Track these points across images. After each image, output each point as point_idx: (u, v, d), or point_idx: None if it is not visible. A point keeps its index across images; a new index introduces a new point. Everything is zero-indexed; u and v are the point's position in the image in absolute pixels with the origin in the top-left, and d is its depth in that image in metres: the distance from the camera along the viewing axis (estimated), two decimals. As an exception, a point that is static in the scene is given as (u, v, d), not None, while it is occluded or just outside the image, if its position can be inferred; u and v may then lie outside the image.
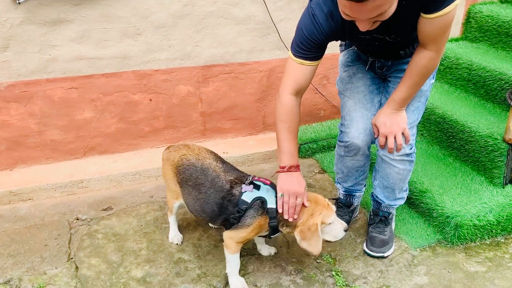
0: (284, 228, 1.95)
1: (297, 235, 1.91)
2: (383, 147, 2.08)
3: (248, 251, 2.29)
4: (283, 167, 1.94)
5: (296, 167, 1.95)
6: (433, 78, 2.10)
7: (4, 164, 2.85)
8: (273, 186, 2.00)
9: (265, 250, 2.31)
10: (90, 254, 2.26)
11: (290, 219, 1.89)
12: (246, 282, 2.09)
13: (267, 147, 3.24)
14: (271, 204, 1.93)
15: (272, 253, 2.31)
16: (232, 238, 1.98)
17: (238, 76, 3.16)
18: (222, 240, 2.34)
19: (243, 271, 2.17)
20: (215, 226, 2.44)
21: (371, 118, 2.11)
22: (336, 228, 1.95)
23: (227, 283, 2.09)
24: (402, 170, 2.13)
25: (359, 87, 2.16)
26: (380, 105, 2.16)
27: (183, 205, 2.19)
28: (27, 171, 2.87)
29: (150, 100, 3.01)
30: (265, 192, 1.96)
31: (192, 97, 3.11)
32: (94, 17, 2.66)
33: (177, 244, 2.33)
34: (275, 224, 1.93)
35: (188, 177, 2.06)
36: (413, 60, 1.89)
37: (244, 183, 1.98)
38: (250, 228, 1.94)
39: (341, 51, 2.30)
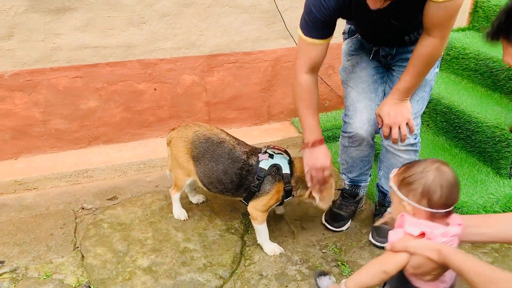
0: (298, 191, 2.11)
1: (316, 194, 2.06)
2: (387, 137, 2.07)
3: (254, 241, 2.29)
4: (306, 144, 2.01)
5: (319, 142, 1.99)
6: (437, 67, 2.08)
7: (8, 153, 2.85)
8: (286, 152, 2.16)
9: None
10: (96, 243, 2.26)
11: (319, 194, 2.04)
12: (252, 272, 2.09)
13: (272, 137, 3.22)
14: (285, 170, 2.08)
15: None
16: (256, 208, 2.13)
17: (243, 66, 3.14)
18: (227, 230, 2.37)
19: (249, 261, 2.17)
20: (230, 198, 2.43)
21: (375, 108, 2.09)
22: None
23: (232, 273, 2.10)
24: (407, 160, 2.11)
25: (363, 77, 2.14)
26: (384, 94, 2.14)
27: (187, 188, 2.24)
28: (31, 160, 2.87)
29: (155, 89, 3.00)
30: (279, 159, 2.11)
31: (197, 86, 3.09)
32: (98, 5, 2.64)
33: (184, 219, 2.40)
34: (290, 187, 2.08)
35: (205, 150, 2.18)
36: (417, 48, 1.86)
37: (260, 153, 2.12)
38: (270, 194, 2.08)
39: (344, 39, 2.27)
